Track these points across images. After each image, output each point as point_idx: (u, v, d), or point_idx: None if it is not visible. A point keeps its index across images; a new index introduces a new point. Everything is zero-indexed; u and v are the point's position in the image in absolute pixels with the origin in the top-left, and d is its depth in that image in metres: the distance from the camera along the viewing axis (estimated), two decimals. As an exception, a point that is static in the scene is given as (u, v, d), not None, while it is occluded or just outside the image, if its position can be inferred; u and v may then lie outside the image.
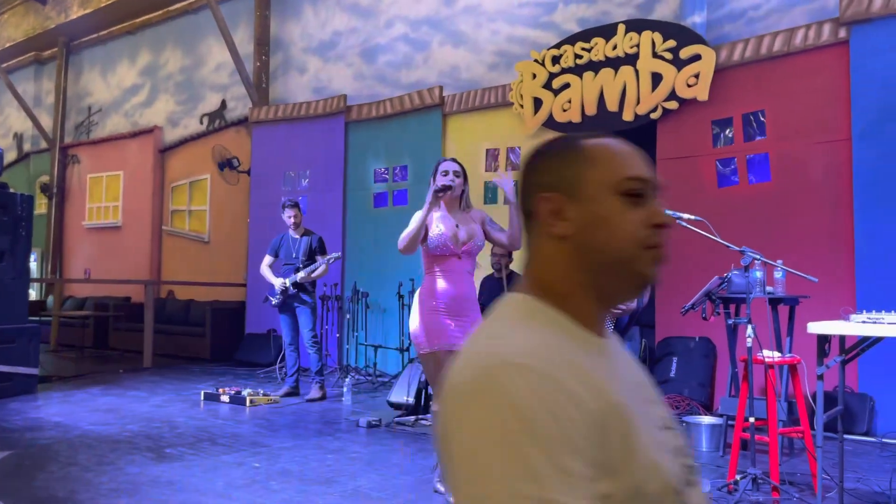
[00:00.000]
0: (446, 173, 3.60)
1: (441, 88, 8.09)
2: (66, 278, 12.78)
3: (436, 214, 3.55)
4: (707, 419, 4.81)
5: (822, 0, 5.99)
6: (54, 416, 5.50)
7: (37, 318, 9.50)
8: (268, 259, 6.67)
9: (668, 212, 3.70)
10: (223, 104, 10.95)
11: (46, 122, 13.41)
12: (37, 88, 14.30)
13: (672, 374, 5.96)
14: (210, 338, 9.47)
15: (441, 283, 3.45)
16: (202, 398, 6.34)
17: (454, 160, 3.68)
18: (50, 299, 12.74)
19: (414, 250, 3.49)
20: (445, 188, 3.52)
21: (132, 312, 10.59)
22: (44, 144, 13.50)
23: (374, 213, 8.61)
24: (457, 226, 3.52)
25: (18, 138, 14.66)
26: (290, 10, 10.17)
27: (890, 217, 5.29)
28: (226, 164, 10.33)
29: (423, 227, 3.45)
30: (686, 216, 3.71)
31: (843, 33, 5.59)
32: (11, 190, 7.11)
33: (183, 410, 5.82)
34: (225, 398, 6.18)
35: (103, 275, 11.50)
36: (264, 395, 6.24)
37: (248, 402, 6.02)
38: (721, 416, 4.73)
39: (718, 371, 5.95)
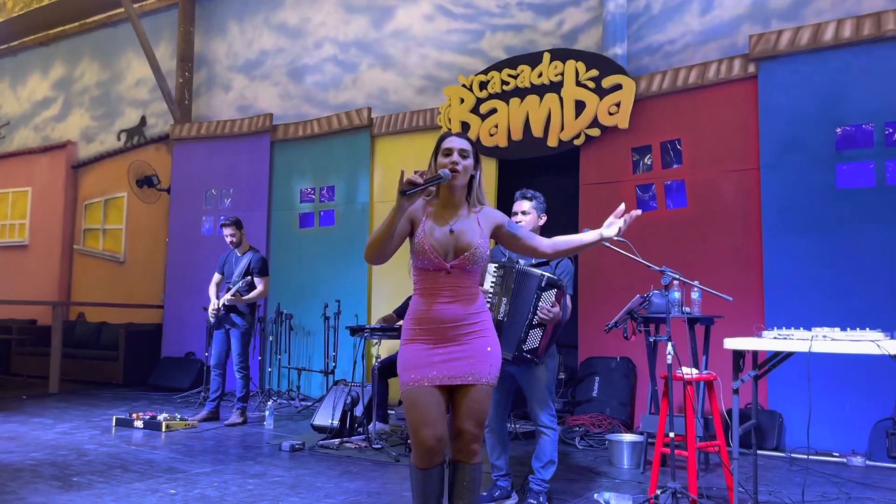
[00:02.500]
0: (449, 152, 2.61)
1: (369, 110, 8.10)
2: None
3: (428, 211, 2.66)
4: (628, 437, 4.91)
5: (732, 37, 6.35)
6: (-52, 445, 5.11)
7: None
8: (215, 277, 6.47)
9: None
10: (143, 120, 10.62)
11: (-53, 134, 12.65)
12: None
13: (594, 394, 6.08)
14: (123, 362, 9.04)
15: (426, 305, 2.62)
16: (114, 424, 6.03)
17: (461, 135, 2.68)
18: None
19: (380, 259, 2.56)
20: (417, 183, 2.44)
21: (38, 336, 10.02)
22: (-56, 157, 12.73)
23: (300, 234, 8.49)
24: (451, 231, 2.62)
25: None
26: (215, 27, 10.01)
27: (795, 241, 5.60)
28: (145, 182, 9.96)
29: (391, 232, 2.51)
30: (610, 237, 3.82)
31: (752, 69, 5.92)
32: None
33: (92, 437, 5.52)
34: (139, 423, 5.90)
35: (7, 296, 10.84)
36: (181, 419, 5.99)
37: (163, 428, 5.76)
38: (642, 433, 4.84)
39: (638, 390, 6.11)
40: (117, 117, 10.94)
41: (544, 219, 3.91)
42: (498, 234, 2.73)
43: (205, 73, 10.04)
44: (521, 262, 3.72)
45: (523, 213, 3.84)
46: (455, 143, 2.63)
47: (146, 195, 9.71)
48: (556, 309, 3.54)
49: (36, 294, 10.65)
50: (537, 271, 3.62)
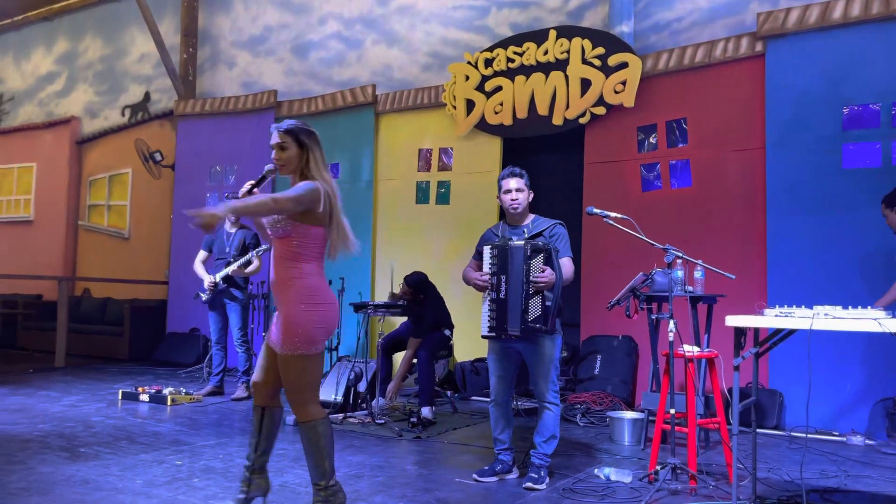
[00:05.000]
0: None
1: (374, 87, 8.07)
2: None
3: None
4: (629, 414, 4.95)
5: (741, 14, 6.30)
6: (-44, 416, 5.18)
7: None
8: (201, 255, 6.50)
9: (596, 210, 3.81)
10: (147, 96, 10.59)
11: (-48, 108, 12.64)
12: (-59, 73, 13.47)
13: (596, 372, 6.12)
14: (129, 337, 9.11)
15: None
16: (119, 397, 6.09)
17: (280, 127, 2.95)
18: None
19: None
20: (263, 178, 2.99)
21: (43, 310, 10.10)
22: (-52, 132, 12.72)
23: (304, 211, 8.47)
24: None
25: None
26: (219, 3, 9.94)
27: (799, 221, 5.59)
28: (149, 158, 9.98)
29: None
30: (613, 214, 3.83)
31: (759, 47, 5.88)
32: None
33: (99, 410, 5.58)
34: (144, 397, 5.96)
35: (12, 271, 10.89)
36: (186, 394, 6.05)
37: (168, 401, 5.83)
38: (643, 410, 4.88)
39: (640, 369, 6.14)
40: (121, 93, 10.92)
41: (532, 194, 3.93)
42: None
43: (209, 49, 9.99)
44: (514, 239, 3.75)
45: (518, 189, 3.83)
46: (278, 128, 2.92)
47: (150, 171, 9.72)
48: (548, 272, 3.58)
49: (41, 269, 10.70)
50: (521, 242, 3.67)
